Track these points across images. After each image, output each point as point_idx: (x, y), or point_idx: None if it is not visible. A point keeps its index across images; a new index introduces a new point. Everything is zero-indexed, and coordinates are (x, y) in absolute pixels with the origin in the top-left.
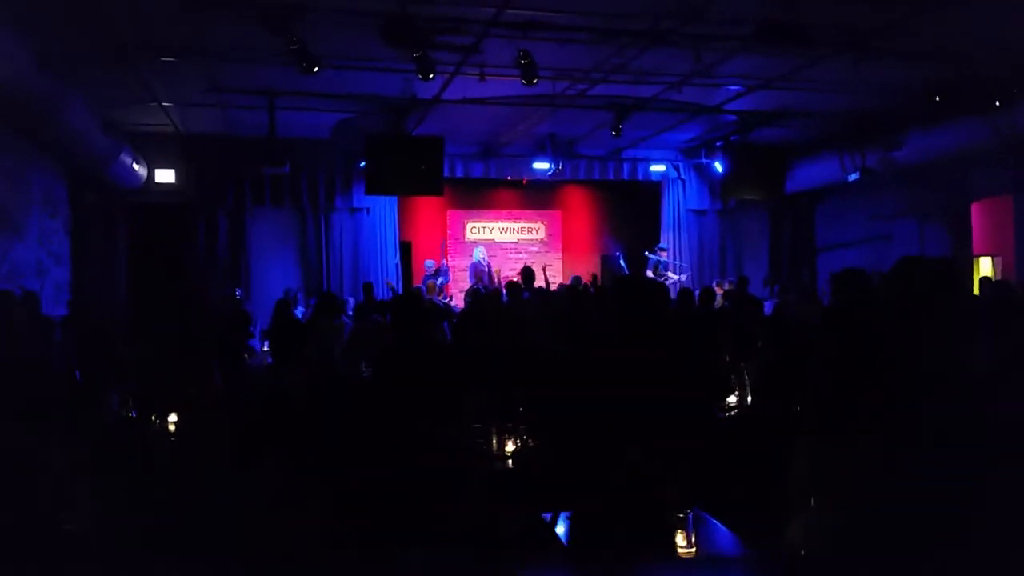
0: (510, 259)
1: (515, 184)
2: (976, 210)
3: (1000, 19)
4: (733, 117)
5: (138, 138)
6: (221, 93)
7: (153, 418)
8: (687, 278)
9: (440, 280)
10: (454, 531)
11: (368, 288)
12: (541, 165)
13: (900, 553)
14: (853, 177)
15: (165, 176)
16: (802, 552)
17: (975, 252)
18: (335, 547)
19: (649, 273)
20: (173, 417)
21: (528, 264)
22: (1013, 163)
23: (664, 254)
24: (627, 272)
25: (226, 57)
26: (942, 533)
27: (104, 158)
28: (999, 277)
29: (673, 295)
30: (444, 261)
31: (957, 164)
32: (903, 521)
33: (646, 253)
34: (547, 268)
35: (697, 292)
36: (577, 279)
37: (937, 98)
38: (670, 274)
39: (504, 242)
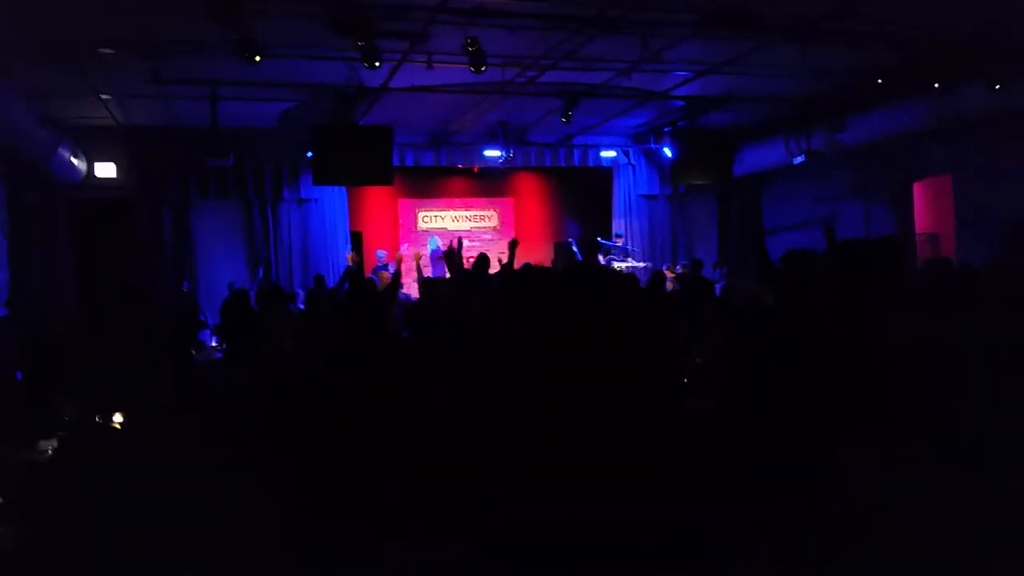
0: (464, 247)
1: (466, 172)
2: (918, 189)
3: (940, 5)
4: (681, 103)
5: (77, 132)
6: (162, 85)
7: (97, 419)
8: (642, 265)
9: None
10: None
11: (319, 280)
12: (492, 153)
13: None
14: (799, 160)
15: (106, 170)
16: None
17: (917, 230)
18: (296, 550)
19: (600, 259)
20: (118, 418)
21: (483, 251)
22: (953, 143)
23: (620, 240)
24: (580, 259)
25: (167, 48)
26: (889, 523)
27: (41, 153)
28: (939, 254)
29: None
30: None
31: (899, 145)
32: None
33: (599, 239)
34: (501, 256)
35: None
36: (527, 266)
37: (879, 81)
38: (625, 262)
39: (457, 230)
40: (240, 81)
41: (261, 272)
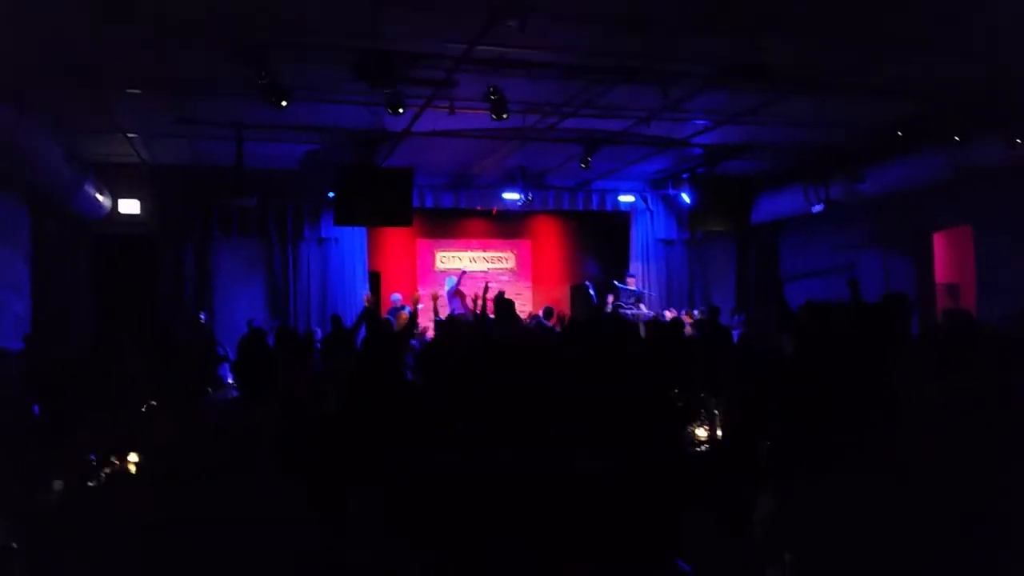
0: (479, 288)
1: (485, 214)
2: (938, 240)
3: (957, 59)
4: (700, 150)
5: (102, 168)
6: (188, 125)
7: (114, 460)
8: (647, 310)
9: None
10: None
11: (336, 320)
12: (511, 196)
13: None
14: (817, 208)
15: (130, 207)
16: None
17: (938, 281)
18: None
19: (609, 300)
20: (134, 458)
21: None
22: (973, 194)
23: (631, 282)
24: (596, 302)
25: (194, 89)
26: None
27: (67, 188)
28: (959, 305)
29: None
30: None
31: (918, 195)
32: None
33: (615, 282)
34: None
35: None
36: (549, 309)
37: (899, 133)
38: (642, 306)
39: (474, 271)
40: (265, 123)
41: (278, 322)
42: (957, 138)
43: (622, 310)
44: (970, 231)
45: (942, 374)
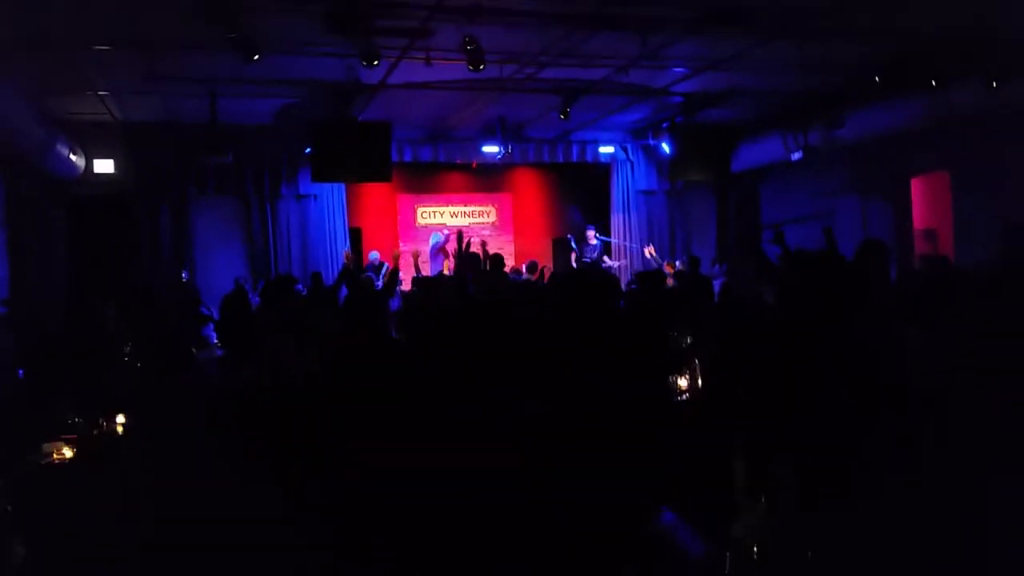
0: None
1: (465, 168)
2: (916, 185)
3: (936, 3)
4: (679, 99)
5: (75, 127)
6: (159, 82)
7: (100, 421)
8: (612, 262)
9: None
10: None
11: (317, 277)
12: (491, 148)
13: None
14: (796, 156)
15: (104, 166)
16: (753, 547)
17: (915, 226)
18: (296, 551)
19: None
20: (121, 419)
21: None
22: (950, 140)
23: (591, 235)
24: (581, 256)
25: (164, 46)
26: (883, 527)
27: (39, 148)
28: (936, 250)
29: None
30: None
31: (896, 141)
32: (846, 515)
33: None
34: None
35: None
36: (533, 263)
37: (876, 78)
38: (606, 258)
39: (455, 226)
40: (238, 78)
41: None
42: (934, 83)
43: (584, 261)
44: (948, 177)
45: (920, 319)
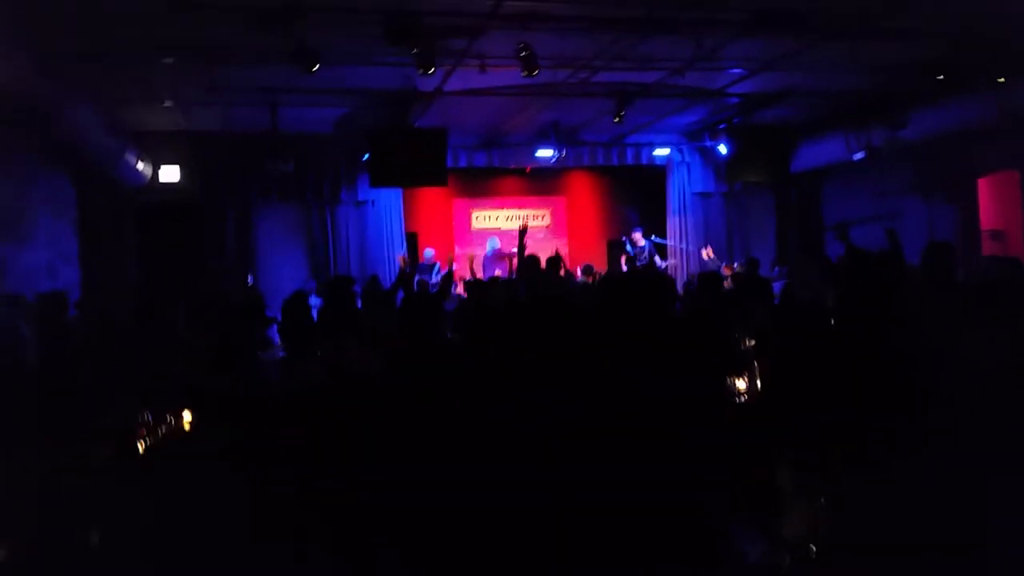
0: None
1: (519, 172)
2: (983, 185)
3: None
4: (735, 100)
5: (142, 137)
6: (222, 92)
7: (168, 418)
8: (675, 264)
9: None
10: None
11: (374, 280)
12: (544, 153)
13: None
14: (858, 156)
15: (170, 175)
16: (811, 547)
17: (983, 227)
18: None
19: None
20: (187, 416)
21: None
22: (1018, 138)
23: (637, 238)
24: (635, 257)
25: (226, 57)
26: (941, 532)
27: (109, 158)
28: (1006, 251)
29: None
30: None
31: (962, 140)
32: (904, 519)
33: (654, 238)
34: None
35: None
36: (588, 267)
37: (940, 76)
38: (656, 259)
39: (510, 230)
40: (298, 88)
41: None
42: (1001, 80)
43: (638, 264)
44: (1017, 176)
45: (986, 322)
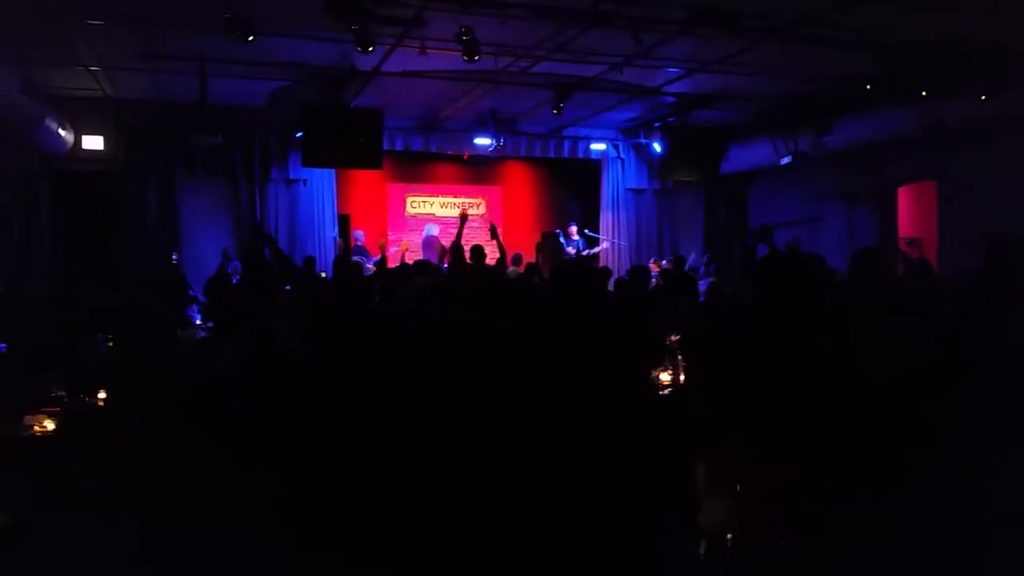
0: (450, 234)
1: (456, 159)
2: (902, 194)
3: (926, 13)
4: (672, 99)
5: (64, 103)
6: (152, 59)
7: (82, 396)
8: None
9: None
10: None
11: (310, 262)
12: (483, 141)
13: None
14: (785, 160)
15: (93, 143)
16: (726, 537)
17: (900, 235)
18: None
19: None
20: (102, 395)
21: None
22: (938, 150)
23: (572, 231)
24: (567, 249)
25: (158, 22)
26: (853, 520)
27: (27, 122)
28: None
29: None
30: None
31: (885, 150)
32: (818, 508)
33: (586, 231)
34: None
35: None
36: (518, 256)
37: (867, 86)
38: (586, 253)
39: (445, 217)
40: (231, 59)
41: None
42: (924, 93)
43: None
44: (934, 186)
45: (899, 323)
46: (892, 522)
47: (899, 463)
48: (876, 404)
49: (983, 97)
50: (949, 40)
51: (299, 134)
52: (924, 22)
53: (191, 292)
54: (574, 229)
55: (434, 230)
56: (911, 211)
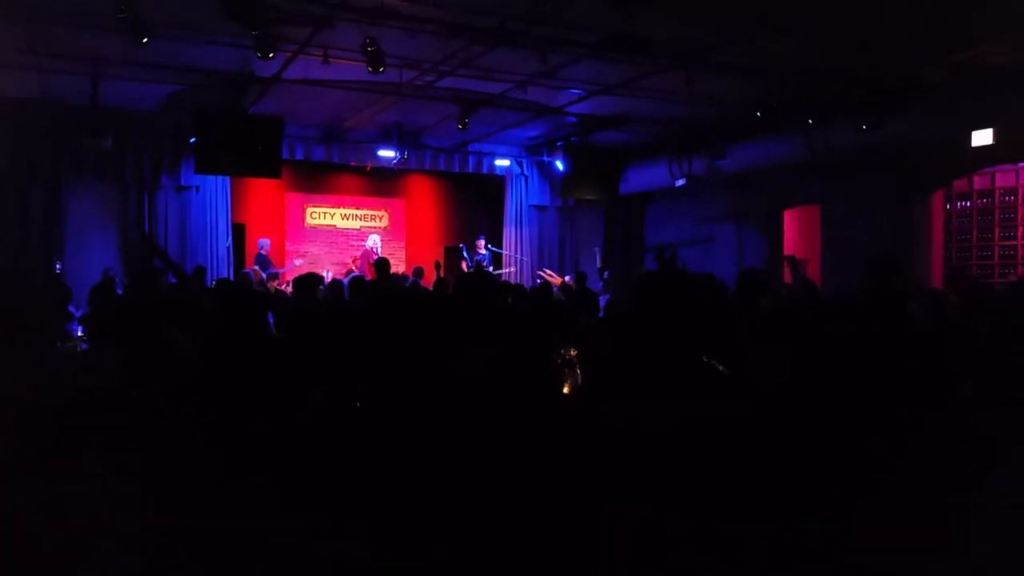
0: (352, 246)
1: (359, 170)
2: (788, 216)
3: (817, 45)
4: (574, 119)
5: None
6: (39, 56)
7: None
8: (510, 273)
9: (270, 271)
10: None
11: (200, 272)
12: (386, 153)
13: None
14: (680, 183)
15: None
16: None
17: (786, 254)
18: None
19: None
20: None
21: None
22: (822, 176)
23: (480, 246)
24: (471, 265)
25: (46, 18)
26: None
27: None
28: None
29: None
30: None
31: (773, 174)
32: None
33: (491, 247)
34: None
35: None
36: (419, 269)
37: (759, 113)
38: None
39: (346, 229)
40: (125, 60)
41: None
42: (811, 121)
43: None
44: (819, 209)
45: (781, 340)
46: (784, 536)
47: (785, 474)
48: (762, 414)
49: (864, 127)
50: (835, 70)
51: (193, 140)
52: (810, 53)
53: (71, 307)
54: (482, 243)
55: (373, 241)
56: (797, 232)
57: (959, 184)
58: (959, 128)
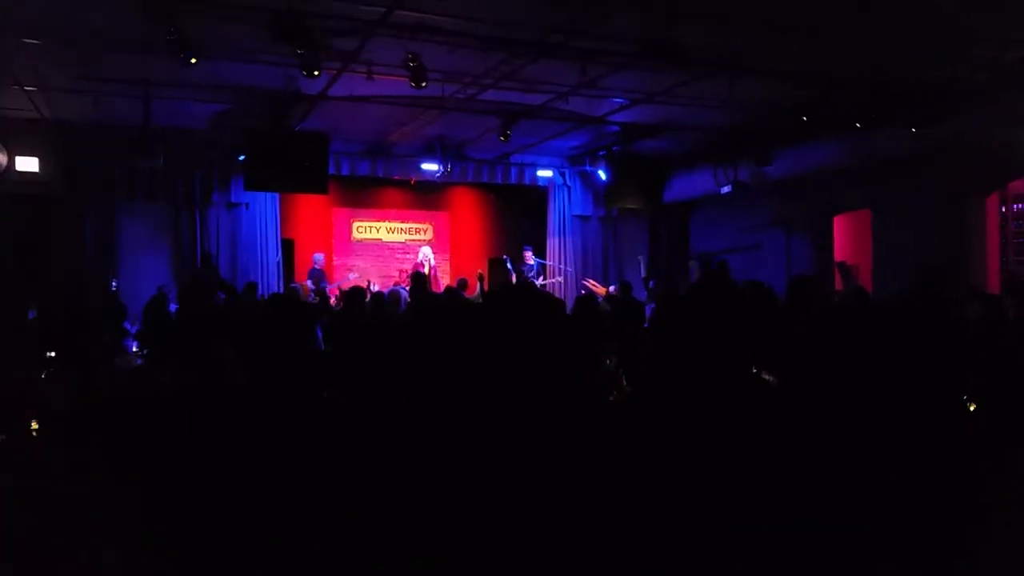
0: (397, 259)
1: (403, 184)
2: (838, 222)
3: (862, 48)
4: (616, 128)
5: None
6: (92, 80)
7: (13, 427)
8: (556, 283)
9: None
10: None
11: (252, 288)
12: (430, 166)
13: None
14: (725, 190)
15: (27, 164)
16: None
17: (836, 260)
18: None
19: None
20: (34, 425)
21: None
22: (872, 180)
23: (528, 256)
24: (513, 275)
25: (99, 44)
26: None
27: None
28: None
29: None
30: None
31: (822, 179)
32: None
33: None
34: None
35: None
36: (463, 281)
37: (804, 118)
38: (540, 279)
39: (391, 242)
40: (174, 81)
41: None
42: (859, 124)
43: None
44: (869, 214)
45: (834, 349)
46: (827, 540)
47: (834, 482)
48: (810, 421)
49: (913, 129)
50: (883, 75)
51: (242, 158)
52: (859, 58)
53: (128, 324)
54: (529, 254)
55: (424, 253)
56: (847, 238)
57: (1014, 186)
58: (1013, 129)
